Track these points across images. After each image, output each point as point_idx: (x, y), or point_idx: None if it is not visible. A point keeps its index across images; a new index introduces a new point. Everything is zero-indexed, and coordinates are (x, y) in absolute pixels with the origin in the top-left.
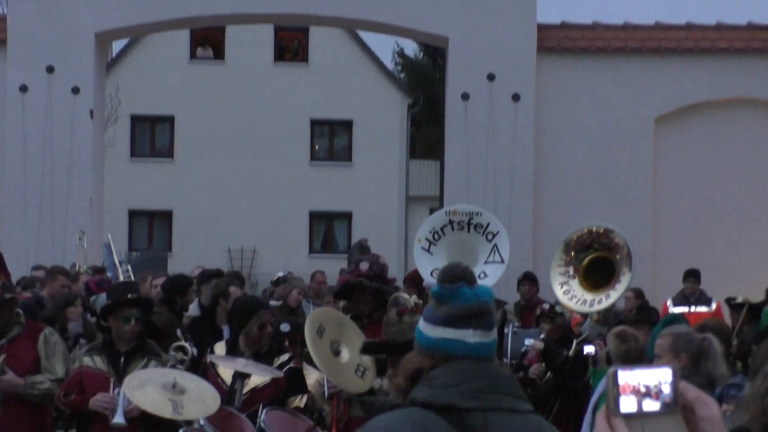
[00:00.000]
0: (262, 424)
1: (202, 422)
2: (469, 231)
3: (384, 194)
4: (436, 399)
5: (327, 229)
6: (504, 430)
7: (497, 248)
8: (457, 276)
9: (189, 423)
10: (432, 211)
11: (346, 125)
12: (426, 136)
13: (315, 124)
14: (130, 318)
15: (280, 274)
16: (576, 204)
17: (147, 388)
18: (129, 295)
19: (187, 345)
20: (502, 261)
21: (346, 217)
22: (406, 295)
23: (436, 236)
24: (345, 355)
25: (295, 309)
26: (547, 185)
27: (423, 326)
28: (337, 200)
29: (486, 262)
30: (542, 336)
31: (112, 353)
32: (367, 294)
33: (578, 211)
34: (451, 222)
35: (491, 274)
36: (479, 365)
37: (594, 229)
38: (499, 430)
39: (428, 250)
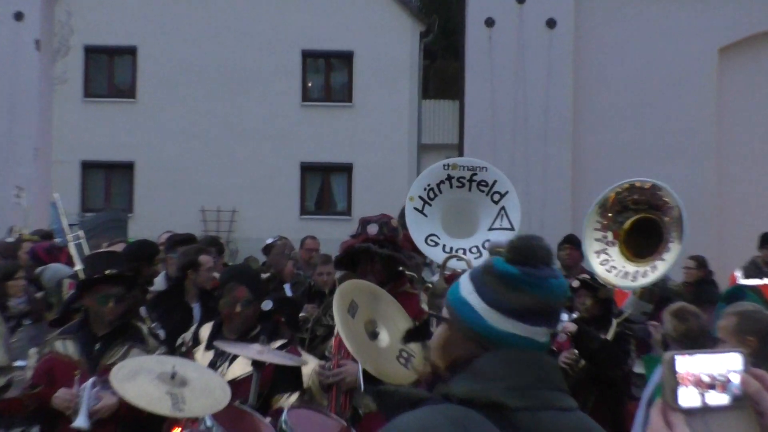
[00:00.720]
0: (284, 425)
1: (209, 423)
2: (470, 189)
3: (391, 142)
4: (480, 395)
5: (322, 184)
6: (553, 430)
7: (505, 212)
8: (541, 258)
9: (193, 421)
10: None
11: (345, 58)
12: (442, 71)
13: (307, 56)
14: (108, 298)
15: (269, 241)
16: (623, 153)
17: (139, 379)
18: (107, 271)
19: (155, 327)
20: (512, 228)
21: (345, 170)
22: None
23: (431, 194)
24: (384, 337)
25: (292, 285)
26: (588, 131)
27: (485, 312)
28: (334, 149)
29: (491, 229)
30: (574, 315)
31: (86, 337)
32: (375, 262)
33: (626, 161)
34: (449, 178)
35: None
36: (530, 356)
37: (637, 184)
38: (548, 431)
39: (422, 211)
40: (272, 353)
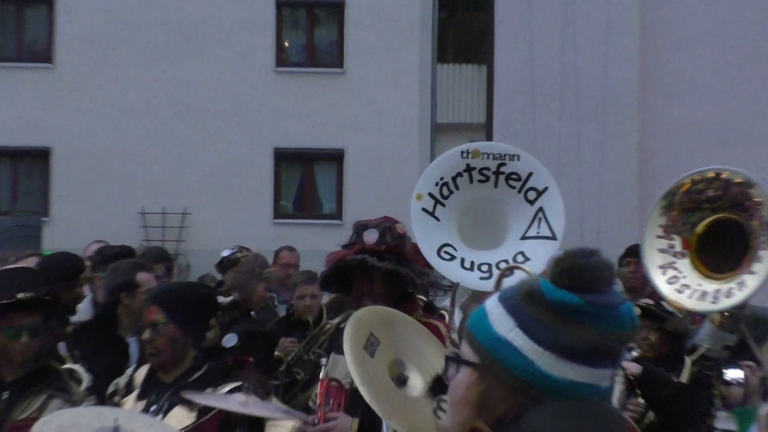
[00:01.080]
0: None
1: None
2: (497, 185)
3: (395, 121)
4: None
5: (303, 178)
6: None
7: (544, 214)
8: (604, 280)
9: None
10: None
11: (334, 9)
12: (464, 27)
13: (283, 6)
14: (20, 331)
15: (226, 252)
16: (703, 134)
17: None
18: (20, 295)
19: (78, 369)
20: (553, 237)
21: (335, 157)
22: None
23: (445, 191)
24: (416, 383)
25: (258, 311)
26: (660, 106)
27: (537, 355)
28: (319, 131)
29: (525, 237)
30: (635, 353)
31: None
32: (375, 281)
33: (707, 144)
34: (469, 169)
35: (535, 257)
36: (593, 407)
37: (724, 175)
38: None
39: (432, 213)
40: (261, 405)
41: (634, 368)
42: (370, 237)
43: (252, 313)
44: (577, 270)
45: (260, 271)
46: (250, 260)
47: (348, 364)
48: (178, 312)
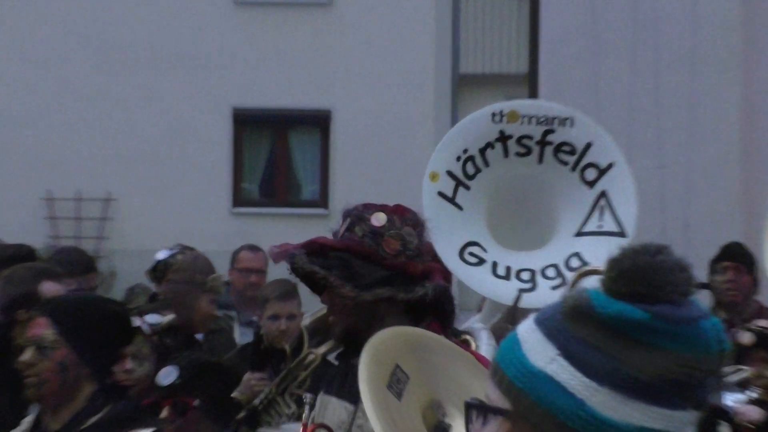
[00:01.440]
0: None
1: None
2: (542, 160)
3: (404, 70)
4: None
5: (275, 150)
6: None
7: (608, 201)
8: (679, 286)
9: None
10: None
11: None
12: None
13: None
14: None
15: (163, 254)
16: None
17: None
18: None
19: None
20: (621, 232)
21: (318, 122)
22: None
23: (469, 168)
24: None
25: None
26: None
27: (589, 392)
28: (297, 85)
29: (581, 233)
30: (753, 393)
31: None
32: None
33: None
34: (503, 138)
35: (595, 261)
36: None
37: None
38: None
39: (453, 200)
40: None
41: (754, 413)
42: (377, 220)
43: (198, 337)
44: (640, 273)
45: (201, 279)
46: (185, 264)
47: (368, 413)
48: (75, 330)
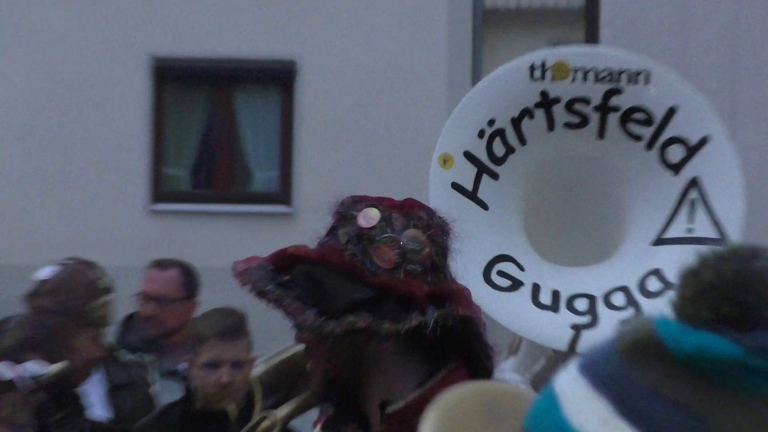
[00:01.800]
0: None
1: None
2: (602, 134)
3: (405, 2)
4: None
5: (213, 118)
6: None
7: (701, 193)
8: None
9: None
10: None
11: None
12: None
13: None
14: None
15: (44, 274)
16: None
17: None
18: None
19: None
20: (720, 237)
21: (279, 79)
22: None
23: (497, 147)
24: None
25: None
26: None
27: None
28: (246, 26)
29: (662, 240)
30: None
31: None
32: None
33: None
34: (546, 102)
35: None
36: None
37: None
38: None
39: (473, 195)
40: None
41: None
42: (366, 220)
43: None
44: (728, 288)
45: (80, 307)
46: (57, 285)
47: None
48: None
